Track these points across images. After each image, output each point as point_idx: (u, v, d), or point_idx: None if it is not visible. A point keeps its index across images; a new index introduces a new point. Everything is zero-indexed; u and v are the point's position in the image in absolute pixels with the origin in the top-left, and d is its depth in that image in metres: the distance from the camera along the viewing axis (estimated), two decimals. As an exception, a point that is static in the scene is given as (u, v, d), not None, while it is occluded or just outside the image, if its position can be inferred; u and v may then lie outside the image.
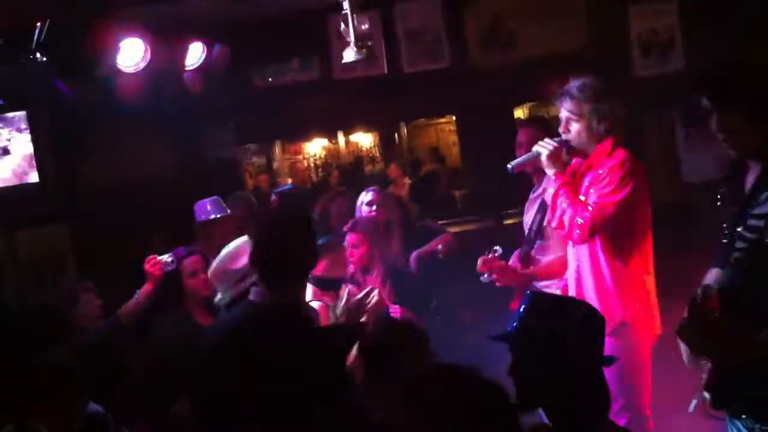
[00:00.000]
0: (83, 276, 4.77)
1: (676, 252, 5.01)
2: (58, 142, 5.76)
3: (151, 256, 4.30)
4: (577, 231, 3.74)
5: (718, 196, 2.99)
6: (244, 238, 3.29)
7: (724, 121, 2.70)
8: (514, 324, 2.72)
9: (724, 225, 2.84)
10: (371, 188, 5.43)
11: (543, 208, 4.44)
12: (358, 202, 5.28)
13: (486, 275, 4.36)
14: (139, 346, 4.37)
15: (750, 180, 2.74)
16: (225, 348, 2.94)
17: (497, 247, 4.39)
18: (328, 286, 4.10)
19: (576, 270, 3.95)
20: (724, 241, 2.81)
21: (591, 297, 3.82)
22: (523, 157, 4.03)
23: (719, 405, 2.71)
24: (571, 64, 5.85)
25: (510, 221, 5.22)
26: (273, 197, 6.15)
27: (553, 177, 3.87)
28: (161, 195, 5.80)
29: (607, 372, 3.76)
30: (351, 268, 4.69)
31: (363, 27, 3.86)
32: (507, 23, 6.00)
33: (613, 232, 3.75)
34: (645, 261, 3.87)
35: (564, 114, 3.84)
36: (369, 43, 3.93)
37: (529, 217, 4.75)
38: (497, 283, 4.41)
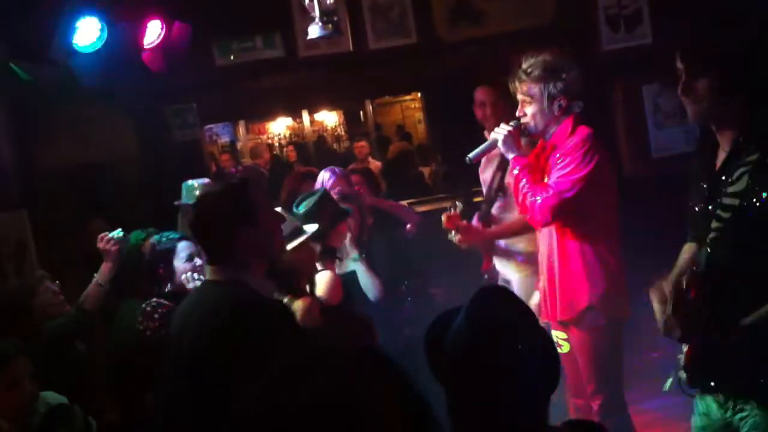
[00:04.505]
0: (45, 263, 4.62)
1: (646, 227, 5.01)
2: (16, 126, 5.58)
3: (102, 234, 4.20)
4: (539, 214, 3.66)
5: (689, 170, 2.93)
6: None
7: (690, 85, 2.65)
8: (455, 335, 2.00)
9: (695, 200, 2.81)
10: (330, 168, 5.31)
11: (502, 164, 4.44)
12: (318, 182, 5.19)
13: (453, 233, 4.36)
14: (104, 333, 4.26)
15: (721, 156, 2.70)
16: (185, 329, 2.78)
17: (458, 203, 4.41)
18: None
19: (545, 254, 3.90)
20: (697, 217, 2.78)
21: (557, 281, 3.79)
22: (481, 147, 3.94)
23: (696, 383, 2.72)
24: (539, 38, 5.79)
25: (480, 198, 5.15)
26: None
27: (512, 161, 3.81)
28: (124, 178, 5.65)
29: (579, 357, 3.77)
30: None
31: (328, 1, 3.76)
32: (474, -2, 5.92)
33: (576, 214, 3.67)
34: (611, 242, 3.82)
35: (519, 97, 3.76)
36: (335, 18, 3.82)
37: (488, 175, 4.74)
38: (461, 244, 4.43)
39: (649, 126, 6.00)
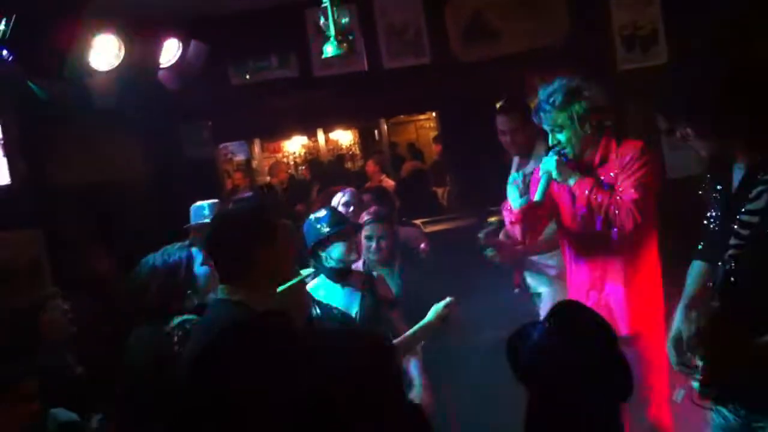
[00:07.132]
0: (56, 283, 4.60)
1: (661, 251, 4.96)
2: (30, 143, 5.59)
3: None
4: (627, 219, 3.63)
5: (700, 191, 2.94)
6: None
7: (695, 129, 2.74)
8: (532, 348, 2.20)
9: (709, 218, 2.85)
10: (347, 190, 5.29)
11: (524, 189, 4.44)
12: (334, 202, 5.17)
13: (490, 250, 4.42)
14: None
15: (737, 176, 2.72)
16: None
17: (496, 218, 4.42)
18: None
19: (588, 282, 3.91)
20: (714, 234, 2.81)
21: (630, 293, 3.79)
22: (541, 184, 3.85)
23: (709, 396, 2.72)
24: (554, 58, 5.79)
25: (494, 218, 5.12)
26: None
27: (577, 186, 3.74)
28: (136, 196, 5.65)
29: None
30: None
31: (343, 20, 3.76)
32: (488, 18, 5.92)
33: (646, 224, 3.70)
34: (656, 267, 3.85)
35: (546, 128, 3.76)
36: (350, 37, 3.82)
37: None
38: (498, 260, 4.49)
39: (663, 147, 5.95)
